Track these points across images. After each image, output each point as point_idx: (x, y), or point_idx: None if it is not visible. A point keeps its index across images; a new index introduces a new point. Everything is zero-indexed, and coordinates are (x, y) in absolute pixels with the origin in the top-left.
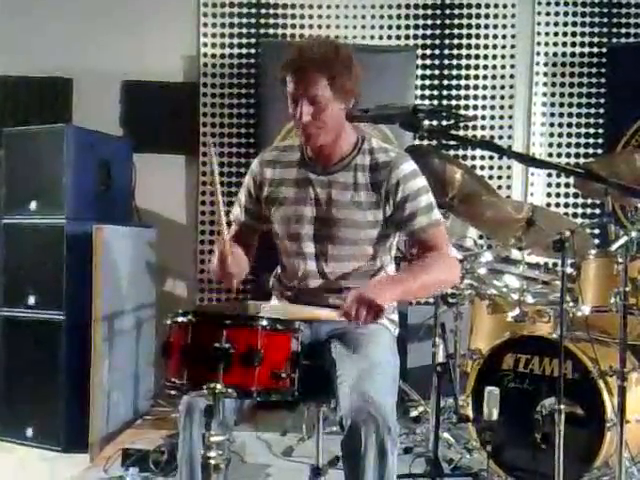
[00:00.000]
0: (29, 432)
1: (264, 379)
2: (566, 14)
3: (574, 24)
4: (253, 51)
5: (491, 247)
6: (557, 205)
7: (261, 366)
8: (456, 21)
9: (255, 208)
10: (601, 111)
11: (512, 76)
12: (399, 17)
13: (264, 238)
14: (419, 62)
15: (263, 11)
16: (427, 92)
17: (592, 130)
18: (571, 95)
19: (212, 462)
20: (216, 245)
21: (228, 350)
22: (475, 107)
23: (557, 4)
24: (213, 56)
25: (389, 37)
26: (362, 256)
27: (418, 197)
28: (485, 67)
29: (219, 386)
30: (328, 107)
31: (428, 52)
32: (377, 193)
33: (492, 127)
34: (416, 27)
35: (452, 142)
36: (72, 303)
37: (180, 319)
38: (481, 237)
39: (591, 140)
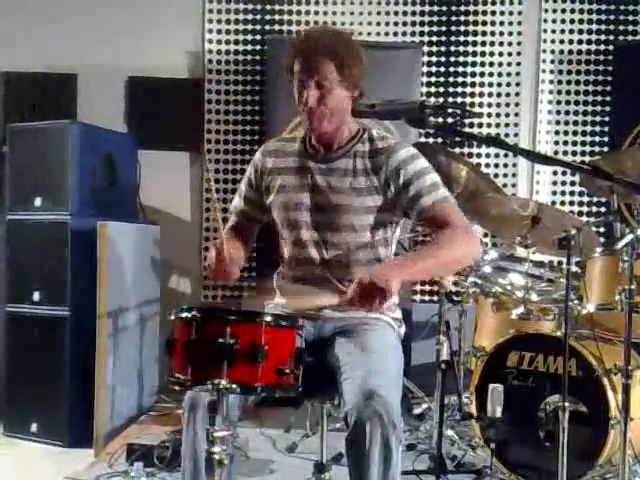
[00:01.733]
0: (34, 427)
1: (268, 375)
2: (573, 11)
3: (581, 21)
4: (258, 47)
5: (496, 245)
6: (563, 203)
7: (265, 362)
8: (462, 18)
9: (255, 197)
10: (607, 109)
11: (518, 73)
12: (405, 14)
13: (266, 239)
14: (425, 59)
15: (268, 7)
16: (433, 89)
17: (598, 128)
18: (577, 93)
19: (216, 457)
20: (211, 244)
21: (232, 346)
22: (481, 104)
23: (564, 1)
24: (218, 52)
25: (395, 34)
26: (362, 243)
27: (421, 177)
28: (491, 64)
29: (223, 382)
30: (334, 92)
31: (434, 49)
32: (376, 178)
33: (498, 125)
34: (422, 24)
35: (458, 138)
36: (76, 299)
37: (184, 315)
38: (486, 235)
39: (597, 138)
